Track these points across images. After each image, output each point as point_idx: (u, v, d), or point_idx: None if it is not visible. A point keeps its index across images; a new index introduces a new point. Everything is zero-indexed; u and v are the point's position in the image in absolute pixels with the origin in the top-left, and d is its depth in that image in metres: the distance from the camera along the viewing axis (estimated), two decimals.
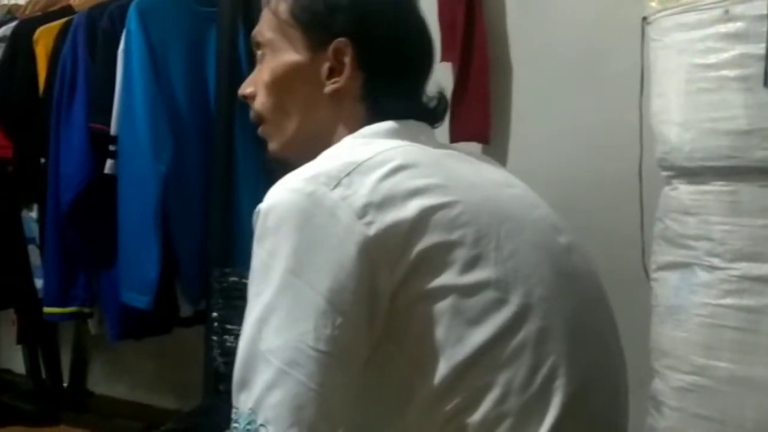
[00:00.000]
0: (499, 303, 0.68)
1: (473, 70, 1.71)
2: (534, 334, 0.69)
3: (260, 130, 0.86)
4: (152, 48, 1.74)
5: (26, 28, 1.96)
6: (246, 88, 0.86)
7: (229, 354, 1.66)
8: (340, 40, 0.79)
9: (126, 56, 1.74)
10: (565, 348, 0.70)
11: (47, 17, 1.99)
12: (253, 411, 0.65)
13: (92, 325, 2.01)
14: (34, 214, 2.05)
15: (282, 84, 0.82)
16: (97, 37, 1.81)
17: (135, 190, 1.75)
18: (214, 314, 1.73)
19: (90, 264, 1.89)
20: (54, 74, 1.87)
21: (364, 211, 0.66)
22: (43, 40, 1.91)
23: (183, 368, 2.19)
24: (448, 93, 1.68)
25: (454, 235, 0.68)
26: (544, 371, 0.68)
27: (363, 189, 0.67)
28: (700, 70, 1.08)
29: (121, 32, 1.76)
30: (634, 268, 1.30)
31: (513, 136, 1.74)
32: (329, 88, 0.80)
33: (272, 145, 0.86)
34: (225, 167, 1.80)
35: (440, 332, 0.67)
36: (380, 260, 0.66)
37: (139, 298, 1.75)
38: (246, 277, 1.79)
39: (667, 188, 1.16)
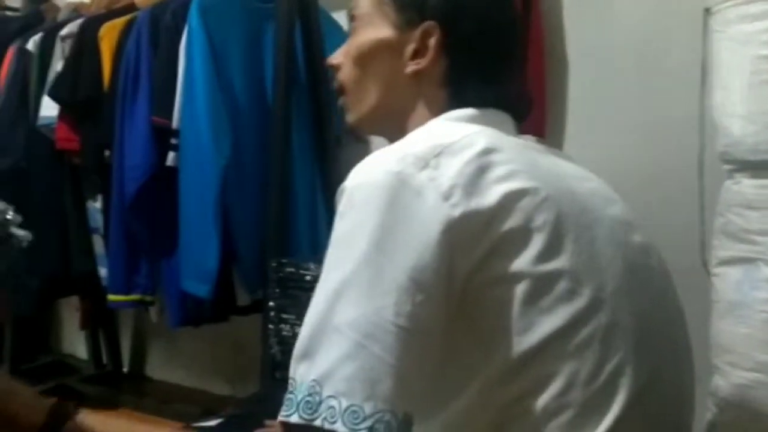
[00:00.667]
0: (572, 294, 0.68)
1: (529, 63, 1.70)
2: (603, 329, 0.69)
3: (341, 100, 0.89)
4: (213, 44, 1.78)
5: (92, 25, 2.01)
6: (334, 59, 0.89)
7: (285, 343, 1.69)
8: (429, 23, 0.81)
9: (188, 52, 1.79)
10: (632, 345, 0.70)
11: (112, 14, 2.04)
12: (318, 383, 0.63)
13: (153, 313, 2.06)
14: (98, 205, 2.11)
15: (367, 58, 0.84)
16: (160, 33, 1.85)
17: (196, 181, 1.79)
18: (271, 303, 1.76)
19: (152, 253, 1.94)
20: (118, 69, 1.92)
21: (450, 193, 0.67)
22: (108, 36, 1.97)
23: (238, 355, 2.25)
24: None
25: (535, 222, 0.68)
26: (609, 367, 0.68)
27: (450, 171, 0.68)
28: (764, 61, 1.07)
29: (183, 28, 1.80)
30: (693, 263, 1.29)
31: (569, 130, 1.73)
32: (410, 68, 0.81)
33: (350, 117, 0.88)
34: (282, 160, 1.83)
35: (511, 317, 0.67)
36: (461, 241, 0.66)
37: (198, 286, 1.80)
38: (302, 267, 1.82)
39: (729, 182, 1.15)
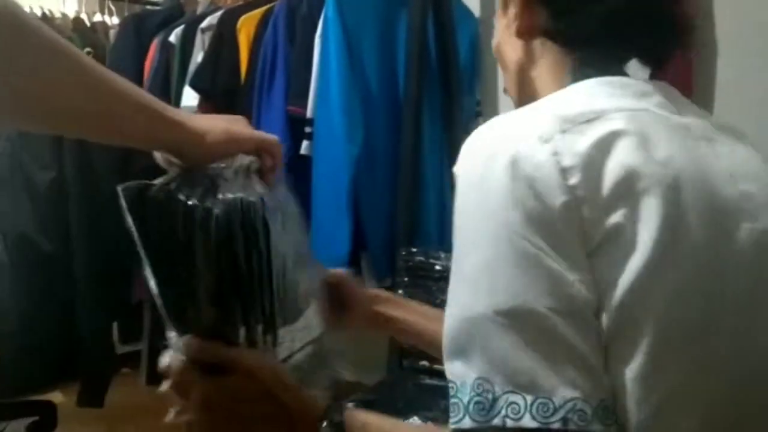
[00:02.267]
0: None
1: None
2: None
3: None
4: (347, 33, 1.81)
5: (230, 17, 2.08)
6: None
7: None
8: None
9: (323, 41, 1.82)
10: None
11: (249, 6, 2.10)
12: (486, 379, 0.58)
13: None
14: None
15: (499, 37, 0.81)
16: (296, 23, 1.90)
17: (329, 170, 1.83)
18: (400, 291, 1.77)
19: None
20: (255, 60, 1.98)
21: (570, 173, 0.59)
22: (246, 27, 2.03)
23: (365, 342, 2.27)
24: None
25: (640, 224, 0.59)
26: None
27: (575, 148, 0.60)
28: None
29: (319, 18, 1.84)
30: None
31: (716, 116, 1.64)
32: (512, 29, 0.76)
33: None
34: (412, 149, 1.84)
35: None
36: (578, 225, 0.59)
37: None
38: (432, 257, 1.82)
39: None
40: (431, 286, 1.74)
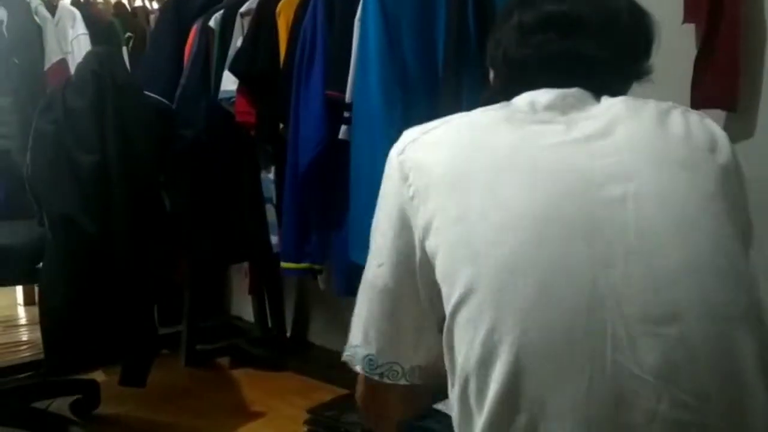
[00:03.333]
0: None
1: (722, 30, 1.58)
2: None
3: None
4: (387, 16, 1.79)
5: (269, 2, 2.09)
6: None
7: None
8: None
9: (362, 25, 1.81)
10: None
11: None
12: None
13: (321, 281, 2.13)
14: (271, 176, 2.21)
15: None
16: (335, 7, 1.89)
17: (366, 154, 1.82)
18: None
19: (322, 224, 2.00)
20: (294, 44, 1.98)
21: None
22: (285, 12, 2.03)
23: None
24: (692, 57, 1.59)
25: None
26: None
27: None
28: None
29: (358, 2, 1.83)
30: None
31: (763, 106, 1.60)
32: None
33: None
34: None
35: None
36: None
37: (366, 257, 1.83)
38: None
39: None
40: None
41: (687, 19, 1.61)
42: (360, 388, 0.94)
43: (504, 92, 0.90)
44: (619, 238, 0.72)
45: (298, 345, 2.73)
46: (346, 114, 1.86)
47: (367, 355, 0.87)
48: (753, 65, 1.60)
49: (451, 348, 0.76)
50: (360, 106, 1.83)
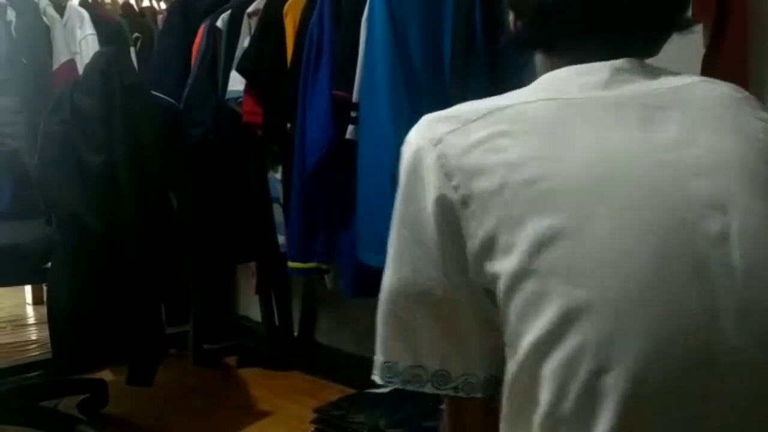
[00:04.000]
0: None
1: (729, 29, 1.58)
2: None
3: None
4: (394, 16, 1.79)
5: (276, 2, 2.09)
6: None
7: None
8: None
9: (369, 24, 1.81)
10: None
11: None
12: None
13: (328, 281, 2.13)
14: (278, 176, 2.21)
15: None
16: (342, 7, 1.89)
17: (373, 155, 1.82)
18: None
19: (330, 223, 2.00)
20: (301, 44, 1.98)
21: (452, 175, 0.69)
22: (292, 12, 2.04)
23: None
24: (699, 55, 1.58)
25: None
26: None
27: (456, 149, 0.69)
28: None
29: (365, 2, 1.83)
30: None
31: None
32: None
33: None
34: None
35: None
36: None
37: (374, 257, 1.83)
38: None
39: None
40: None
41: (695, 18, 1.61)
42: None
43: (530, 42, 0.80)
44: (726, 286, 0.62)
45: (305, 344, 2.73)
46: (353, 114, 1.86)
47: (439, 371, 0.75)
48: (761, 64, 1.59)
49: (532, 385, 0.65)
50: (367, 106, 1.83)
